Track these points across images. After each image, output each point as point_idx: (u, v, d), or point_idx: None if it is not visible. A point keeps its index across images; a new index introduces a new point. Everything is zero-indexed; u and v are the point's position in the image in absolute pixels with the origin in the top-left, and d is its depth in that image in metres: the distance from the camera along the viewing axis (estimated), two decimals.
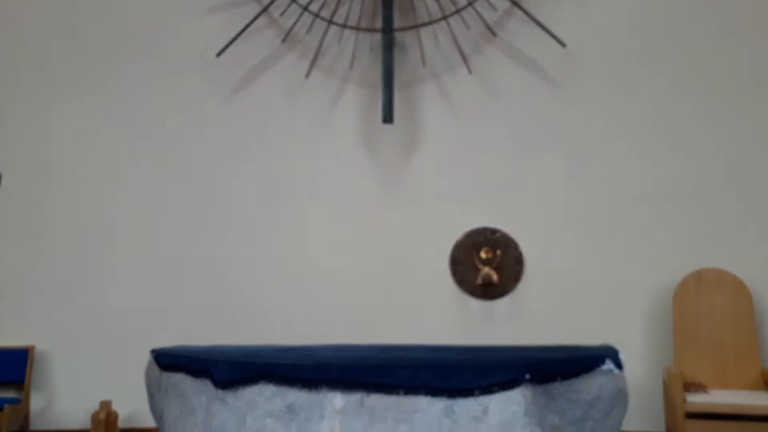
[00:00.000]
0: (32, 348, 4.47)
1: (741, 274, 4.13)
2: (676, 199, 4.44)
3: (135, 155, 4.80)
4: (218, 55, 4.66)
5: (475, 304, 4.54)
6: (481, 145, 4.69)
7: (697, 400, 3.57)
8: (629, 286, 4.39)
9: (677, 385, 3.58)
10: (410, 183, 4.71)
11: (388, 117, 4.47)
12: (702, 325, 4.04)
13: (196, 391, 2.46)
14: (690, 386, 3.79)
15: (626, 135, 4.57)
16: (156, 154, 4.79)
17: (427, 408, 2.21)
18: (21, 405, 4.28)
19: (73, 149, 4.80)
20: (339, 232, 4.69)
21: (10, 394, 4.46)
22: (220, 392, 2.34)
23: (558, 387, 2.33)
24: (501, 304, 4.52)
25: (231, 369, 2.35)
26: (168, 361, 2.64)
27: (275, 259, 4.69)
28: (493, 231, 4.58)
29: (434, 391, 2.24)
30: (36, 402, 4.51)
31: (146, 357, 2.95)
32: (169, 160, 4.79)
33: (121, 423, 4.43)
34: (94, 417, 4.29)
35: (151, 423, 4.37)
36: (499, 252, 4.54)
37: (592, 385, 2.37)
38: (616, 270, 4.43)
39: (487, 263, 4.53)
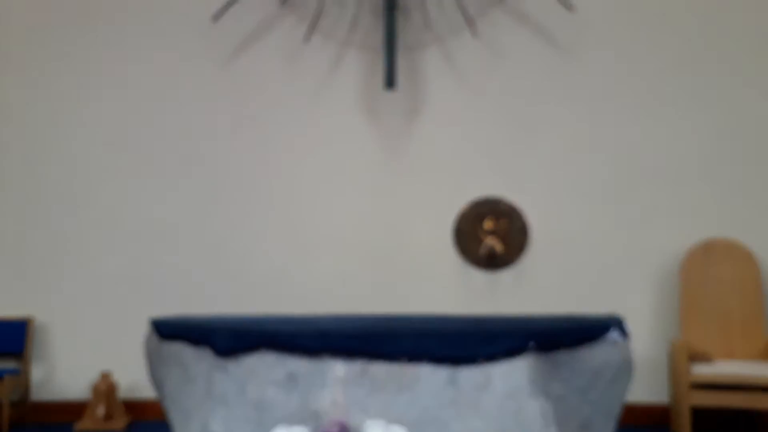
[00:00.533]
0: (31, 319, 4.44)
1: (749, 244, 4.08)
2: (684, 167, 4.37)
3: (132, 122, 4.71)
4: (215, 19, 4.55)
5: (479, 276, 4.50)
6: (485, 111, 4.59)
7: (702, 370, 3.56)
8: (636, 257, 4.35)
9: (683, 355, 3.56)
10: (413, 151, 4.63)
11: (390, 82, 4.37)
12: (709, 295, 4.01)
13: (196, 360, 2.44)
14: (695, 357, 3.78)
15: (634, 101, 4.48)
16: (154, 121, 4.70)
17: (429, 376, 2.20)
18: (21, 376, 4.26)
19: (70, 115, 4.71)
20: (339, 201, 4.63)
21: (9, 365, 4.45)
22: (220, 361, 2.32)
23: (563, 356, 2.31)
24: (505, 275, 4.48)
25: (231, 338, 2.32)
26: (167, 330, 2.61)
27: (274, 228, 4.64)
28: (498, 200, 4.51)
29: (437, 360, 2.22)
30: (36, 373, 4.51)
31: (146, 327, 2.92)
32: (167, 127, 4.71)
33: (121, 393, 4.44)
34: (95, 387, 4.29)
35: (151, 393, 4.37)
36: (503, 222, 4.48)
37: (597, 354, 2.35)
38: (622, 240, 4.37)
39: (491, 233, 4.48)
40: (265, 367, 2.26)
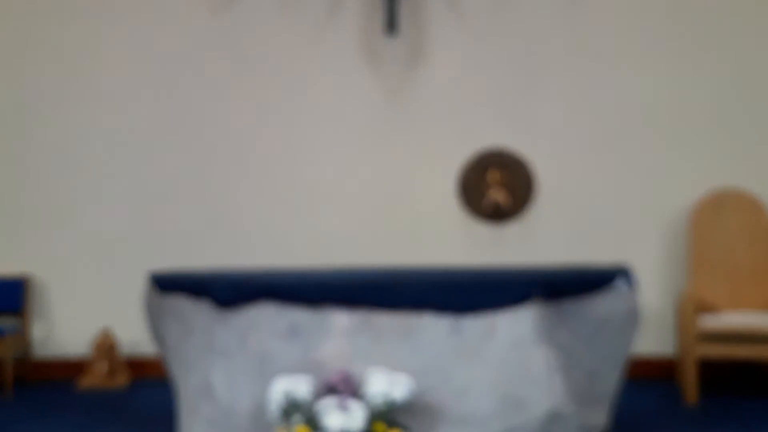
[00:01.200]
0: (29, 277, 4.43)
1: (760, 195, 4.04)
2: (694, 118, 4.29)
3: (125, 75, 4.61)
4: None
5: (484, 228, 4.47)
6: (490, 58, 4.49)
7: (709, 322, 3.56)
8: (644, 208, 4.31)
9: (690, 306, 3.55)
10: (415, 100, 4.55)
11: (391, 27, 4.25)
12: (718, 246, 3.98)
13: (196, 312, 2.44)
14: (703, 308, 3.77)
15: (643, 50, 4.36)
16: (147, 73, 4.60)
17: (432, 326, 2.19)
18: (21, 334, 4.27)
19: (60, 69, 4.62)
20: (340, 152, 4.57)
21: (10, 323, 4.46)
22: (220, 313, 2.32)
23: (568, 305, 2.30)
24: (510, 227, 4.44)
25: (231, 289, 2.31)
26: (167, 284, 2.61)
27: (273, 182, 4.59)
28: (503, 151, 4.44)
29: (440, 309, 2.21)
30: (37, 331, 4.53)
31: (144, 284, 2.91)
32: (161, 78, 4.62)
33: (122, 350, 4.47)
34: (96, 344, 4.31)
35: (152, 349, 4.40)
36: (508, 173, 4.42)
37: (603, 303, 2.35)
38: (630, 191, 4.33)
39: (496, 185, 4.43)
40: (266, 319, 2.26)
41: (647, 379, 4.15)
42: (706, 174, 4.20)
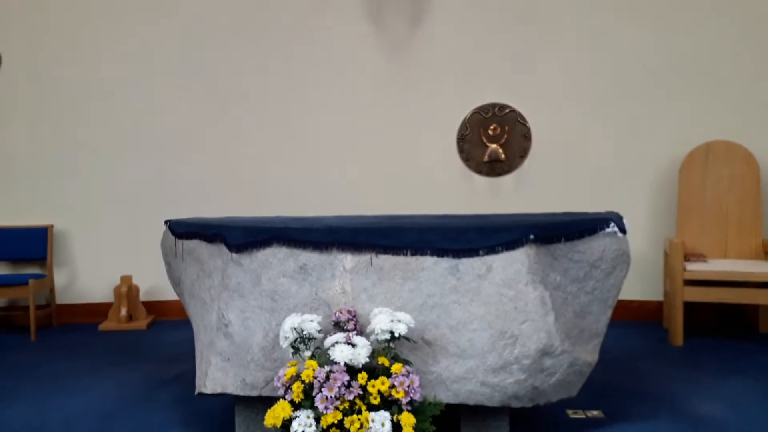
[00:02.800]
0: (51, 226, 4.59)
1: (750, 147, 4.09)
2: (686, 71, 4.32)
3: (141, 33, 4.68)
4: None
5: (482, 181, 4.57)
6: (492, 16, 4.50)
7: (696, 267, 3.67)
8: (637, 160, 4.39)
9: (678, 253, 3.66)
10: (418, 56, 4.58)
11: None
12: (707, 196, 4.06)
13: (212, 255, 2.56)
14: (690, 256, 3.88)
15: (637, 6, 4.37)
16: (165, 27, 4.67)
17: (432, 267, 2.31)
18: (45, 280, 4.45)
19: (79, 18, 4.66)
20: (346, 107, 4.64)
21: (34, 270, 4.65)
22: (234, 256, 2.43)
23: (561, 247, 2.40)
24: (508, 180, 4.54)
25: (244, 233, 2.42)
26: (182, 229, 2.71)
27: (281, 136, 4.68)
28: (502, 107, 4.51)
29: (440, 252, 2.32)
30: (59, 278, 4.71)
31: (161, 232, 3.02)
32: (171, 34, 4.68)
33: (141, 296, 4.65)
34: (116, 290, 4.49)
35: (170, 296, 4.60)
36: (506, 128, 4.50)
37: (595, 246, 2.43)
38: (624, 144, 4.40)
39: (494, 140, 4.51)
40: (277, 261, 2.38)
41: (636, 323, 4.32)
42: (699, 127, 4.26)
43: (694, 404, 2.71)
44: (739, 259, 3.93)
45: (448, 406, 2.34)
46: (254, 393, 2.35)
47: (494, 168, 4.52)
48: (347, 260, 2.35)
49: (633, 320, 4.37)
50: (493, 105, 4.51)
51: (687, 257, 3.82)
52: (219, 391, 2.39)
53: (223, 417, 2.66)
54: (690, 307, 4.05)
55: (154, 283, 4.65)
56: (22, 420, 2.68)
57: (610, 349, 3.60)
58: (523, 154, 4.49)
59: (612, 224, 2.47)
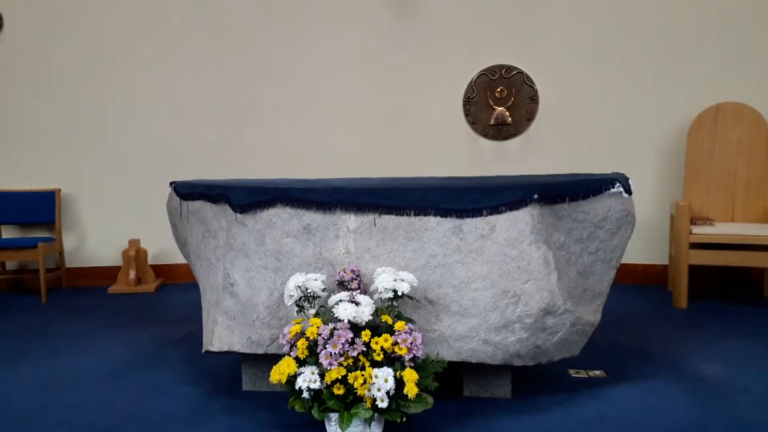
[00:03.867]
0: (58, 190, 4.61)
1: (761, 109, 4.03)
2: (695, 33, 4.24)
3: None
4: None
5: (488, 144, 4.54)
6: None
7: (702, 231, 3.65)
8: (645, 123, 4.33)
9: (684, 216, 3.64)
10: (423, 17, 4.51)
11: None
12: (715, 159, 4.02)
13: (216, 216, 2.57)
14: (697, 219, 3.86)
15: None
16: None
17: (436, 227, 2.31)
18: (54, 243, 4.49)
19: None
20: (349, 70, 4.60)
21: (43, 234, 4.69)
22: (239, 216, 2.44)
23: (565, 207, 2.39)
24: (514, 143, 4.51)
25: (248, 193, 2.43)
26: (187, 190, 2.72)
27: (287, 98, 4.66)
28: (509, 69, 4.45)
29: (443, 212, 2.32)
30: (68, 242, 4.76)
31: (167, 194, 3.03)
32: (178, 3, 4.63)
33: (150, 260, 4.69)
34: (125, 254, 4.53)
35: (178, 259, 4.64)
36: (514, 90, 4.44)
37: (599, 206, 2.42)
38: (632, 107, 4.35)
39: (501, 103, 4.46)
40: (281, 221, 2.39)
41: (641, 286, 4.33)
42: (708, 90, 4.19)
43: (695, 365, 2.73)
44: (746, 223, 3.91)
45: (451, 364, 2.37)
46: (260, 351, 2.39)
47: (501, 131, 4.49)
48: (351, 220, 2.36)
49: (637, 284, 4.37)
50: (501, 67, 4.45)
51: (693, 221, 3.80)
52: (225, 349, 2.43)
53: (229, 375, 2.71)
54: (695, 271, 4.05)
55: (162, 246, 4.69)
56: (34, 378, 2.74)
57: (614, 311, 3.62)
58: (530, 117, 4.44)
59: (617, 184, 2.45)
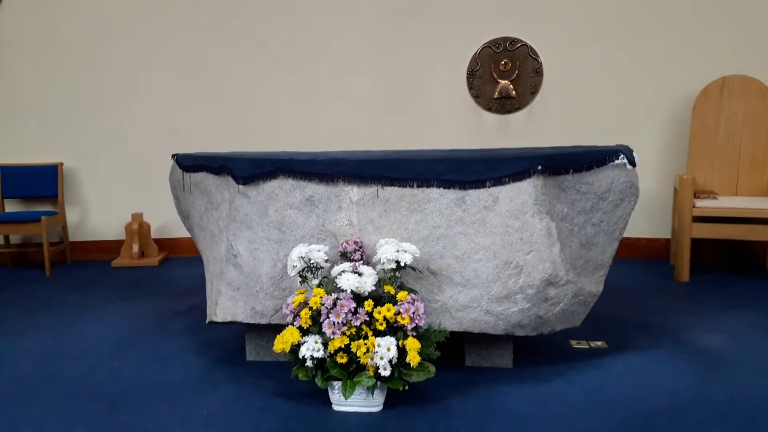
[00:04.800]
0: (60, 164, 4.61)
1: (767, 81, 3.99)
2: (701, 4, 4.17)
3: None
4: None
5: (492, 118, 4.52)
6: None
7: (705, 204, 3.64)
8: (650, 96, 4.30)
9: (688, 190, 3.63)
10: None
11: None
12: (720, 132, 3.99)
13: (219, 187, 2.57)
14: (700, 193, 3.86)
15: None
16: None
17: (439, 199, 2.31)
18: (57, 217, 4.50)
19: None
20: (351, 43, 4.55)
21: (46, 208, 4.70)
22: (241, 188, 2.44)
23: (569, 179, 2.39)
24: (518, 117, 4.48)
25: (250, 165, 2.42)
26: (189, 162, 2.72)
27: (290, 73, 4.62)
28: (514, 41, 4.40)
29: (446, 183, 2.32)
30: (71, 216, 4.76)
31: (169, 167, 3.02)
32: None
33: (152, 234, 4.70)
34: (128, 228, 4.54)
35: (180, 233, 4.65)
36: (518, 63, 4.40)
37: (603, 177, 2.42)
38: (636, 81, 4.31)
39: (505, 76, 4.42)
40: (283, 192, 2.39)
41: (643, 260, 4.34)
42: (714, 62, 4.15)
43: (697, 336, 2.74)
44: (749, 197, 3.90)
45: (453, 334, 2.39)
46: (263, 321, 2.41)
47: (504, 105, 4.45)
48: (353, 192, 2.35)
49: (640, 258, 4.38)
50: (505, 39, 4.40)
51: (697, 194, 3.79)
52: (229, 319, 2.45)
53: (233, 345, 2.74)
54: (697, 245, 4.05)
55: (165, 220, 4.70)
56: (40, 348, 2.77)
57: (616, 284, 3.63)
58: (534, 90, 4.41)
59: (621, 156, 2.44)
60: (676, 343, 2.65)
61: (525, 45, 4.38)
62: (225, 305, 2.46)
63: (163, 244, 4.74)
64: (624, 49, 4.29)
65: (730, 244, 4.21)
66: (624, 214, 2.52)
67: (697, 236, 3.64)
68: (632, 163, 2.49)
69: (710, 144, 4.01)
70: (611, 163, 2.44)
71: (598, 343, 2.69)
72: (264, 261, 2.40)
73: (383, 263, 2.16)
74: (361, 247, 2.30)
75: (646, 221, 4.35)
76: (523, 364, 2.46)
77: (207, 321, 2.55)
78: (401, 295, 2.09)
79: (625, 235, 4.07)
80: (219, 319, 2.46)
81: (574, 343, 2.70)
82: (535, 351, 2.61)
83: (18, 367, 2.54)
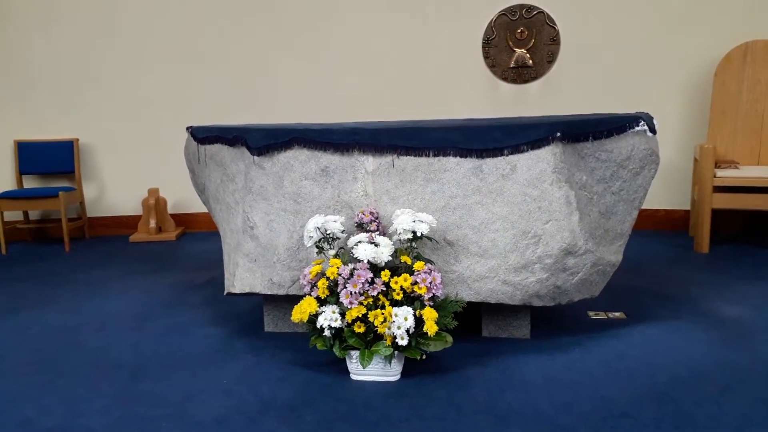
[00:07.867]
0: (76, 140, 4.62)
1: None
2: None
3: None
4: None
5: (508, 88, 4.45)
6: None
7: (726, 174, 3.58)
8: (670, 64, 4.20)
9: (709, 159, 3.56)
10: None
11: None
12: (742, 101, 3.89)
13: (234, 159, 2.56)
14: (721, 163, 3.78)
15: None
16: None
17: (455, 168, 2.28)
18: (75, 193, 4.53)
19: None
20: (364, 12, 4.48)
21: (63, 184, 4.74)
22: (256, 159, 2.43)
23: (588, 146, 2.34)
24: (534, 86, 4.41)
25: (265, 135, 2.40)
26: (204, 134, 2.70)
27: (302, 41, 4.57)
28: (530, 8, 4.30)
29: (463, 152, 2.28)
30: (89, 191, 4.80)
31: (184, 141, 3.01)
32: None
33: (169, 209, 4.73)
34: (145, 203, 4.57)
35: (197, 208, 4.67)
36: (534, 31, 4.31)
37: (623, 145, 2.37)
38: (657, 46, 4.20)
39: (521, 44, 4.34)
40: (299, 163, 2.37)
41: (662, 231, 4.28)
42: (736, 27, 4.03)
43: (716, 307, 2.71)
44: None
45: (470, 305, 2.38)
46: (281, 292, 2.42)
47: (521, 74, 4.38)
48: (369, 162, 2.33)
49: (659, 229, 4.33)
50: (521, 6, 4.31)
51: (718, 164, 3.72)
52: (247, 290, 2.46)
53: (251, 317, 2.76)
54: (717, 216, 3.99)
55: (181, 196, 4.71)
56: (61, 321, 2.81)
57: (634, 256, 3.59)
58: (551, 59, 4.32)
59: (641, 122, 2.39)
60: (696, 314, 2.62)
61: (542, 12, 4.28)
62: (243, 277, 2.47)
63: (179, 219, 4.76)
64: (642, 16, 4.18)
65: (752, 214, 4.14)
66: (644, 182, 2.47)
67: (718, 207, 3.58)
68: (653, 130, 2.43)
69: (732, 112, 3.91)
70: (631, 130, 2.39)
71: (617, 314, 2.67)
72: (280, 232, 2.39)
73: (399, 234, 2.14)
74: (377, 218, 2.28)
75: (666, 192, 4.28)
76: (541, 334, 2.45)
77: (225, 292, 2.56)
78: (418, 265, 2.08)
79: (644, 206, 4.02)
80: (237, 290, 2.47)
81: (591, 314, 2.68)
82: (552, 322, 2.59)
83: (42, 338, 2.58)
